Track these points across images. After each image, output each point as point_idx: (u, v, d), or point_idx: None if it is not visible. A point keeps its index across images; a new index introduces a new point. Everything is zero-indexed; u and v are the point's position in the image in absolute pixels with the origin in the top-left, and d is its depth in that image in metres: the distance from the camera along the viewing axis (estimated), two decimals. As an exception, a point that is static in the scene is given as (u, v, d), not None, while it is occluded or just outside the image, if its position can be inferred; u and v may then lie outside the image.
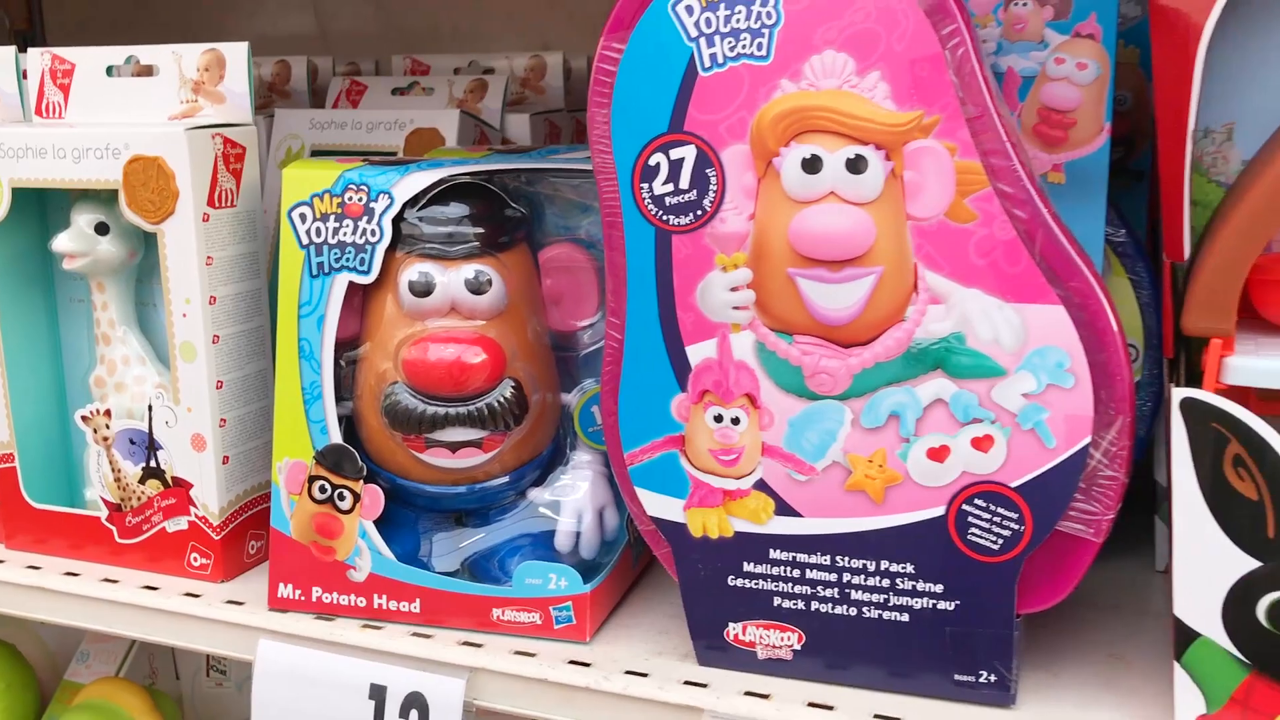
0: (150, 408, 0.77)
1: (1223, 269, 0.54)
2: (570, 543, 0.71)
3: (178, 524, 0.77)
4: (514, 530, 0.73)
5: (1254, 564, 0.54)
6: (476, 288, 0.68)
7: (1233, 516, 0.54)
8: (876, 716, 0.59)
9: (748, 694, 0.62)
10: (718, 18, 0.58)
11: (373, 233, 0.69)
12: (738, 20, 0.58)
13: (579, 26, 0.63)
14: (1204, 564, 0.55)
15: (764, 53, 0.58)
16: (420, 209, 0.70)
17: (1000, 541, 0.58)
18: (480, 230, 0.70)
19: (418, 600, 0.70)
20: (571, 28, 1.05)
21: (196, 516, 0.77)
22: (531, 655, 0.66)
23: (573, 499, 0.72)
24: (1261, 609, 0.54)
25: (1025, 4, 0.67)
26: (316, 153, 1.02)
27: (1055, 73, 0.67)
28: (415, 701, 0.67)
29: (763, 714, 0.60)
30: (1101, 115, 0.66)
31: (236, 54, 0.77)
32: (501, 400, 0.69)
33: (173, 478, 0.77)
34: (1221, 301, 0.55)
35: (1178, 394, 0.54)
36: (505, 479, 0.72)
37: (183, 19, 1.36)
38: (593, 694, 0.64)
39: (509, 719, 0.68)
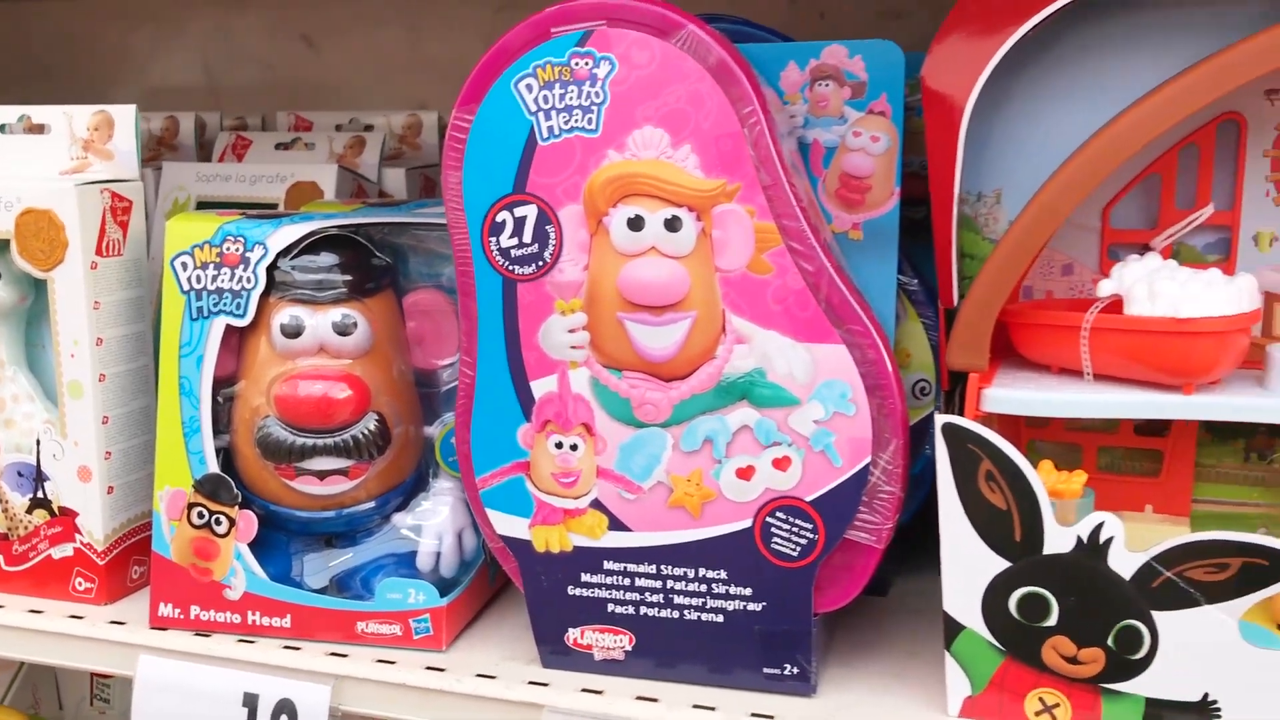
0: (38, 442, 0.82)
1: (975, 314, 0.65)
2: (431, 562, 0.79)
3: (63, 551, 0.83)
4: (379, 551, 0.80)
5: (1005, 564, 0.63)
6: (343, 329, 0.75)
7: (987, 524, 0.63)
8: (695, 706, 0.68)
9: (584, 690, 0.70)
10: (554, 95, 0.67)
11: (248, 280, 0.76)
12: (571, 98, 0.67)
13: (453, 87, 0.70)
14: (966, 565, 0.64)
15: (594, 126, 0.67)
16: (292, 258, 0.77)
17: (799, 549, 0.67)
18: (347, 277, 0.77)
19: (288, 616, 0.76)
20: (446, 89, 1.13)
21: (82, 544, 0.82)
22: (392, 663, 0.73)
23: (434, 522, 0.79)
24: (1012, 603, 0.64)
25: (827, 85, 0.77)
26: (202, 204, 1.08)
27: (853, 144, 0.77)
28: (285, 707, 0.73)
29: (596, 708, 0.68)
30: (892, 181, 0.76)
31: (125, 115, 0.84)
32: (365, 432, 0.76)
33: (59, 507, 0.82)
34: (976, 342, 0.65)
35: (940, 420, 0.63)
36: (371, 504, 0.79)
37: (77, 72, 1.41)
38: (446, 695, 0.71)
39: (371, 723, 0.74)
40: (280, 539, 0.80)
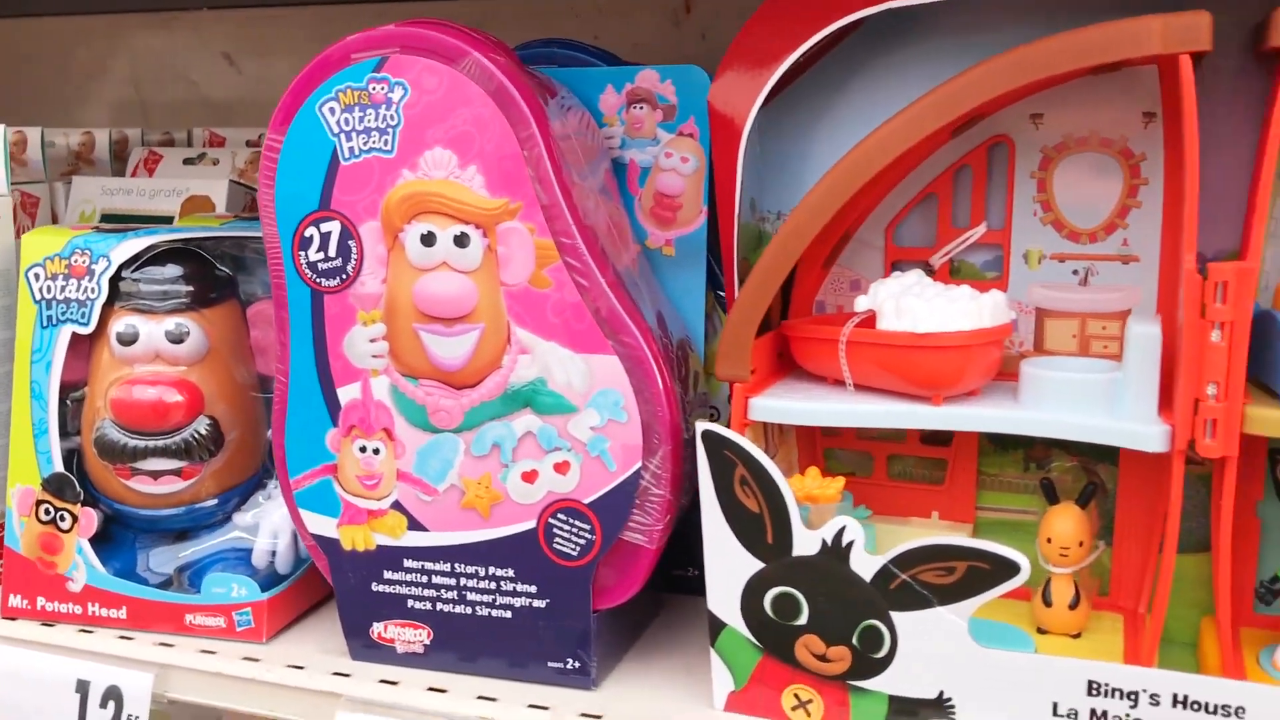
0: (-93, 441, 0.87)
1: (735, 329, 0.68)
2: (266, 559, 0.83)
3: (-71, 545, 0.88)
4: (219, 547, 0.84)
5: (759, 565, 0.66)
6: (176, 337, 0.80)
7: (742, 527, 0.66)
8: (479, 697, 0.71)
9: (381, 681, 0.73)
10: (354, 118, 0.71)
11: (92, 290, 0.80)
12: (369, 120, 0.71)
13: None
14: (725, 566, 0.67)
15: (389, 148, 0.71)
16: (136, 270, 0.81)
17: (578, 549, 0.71)
18: (187, 288, 0.81)
19: (124, 607, 0.81)
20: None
21: (-55, 538, 0.87)
22: (213, 653, 0.77)
23: (270, 521, 0.83)
24: (767, 602, 0.67)
25: (641, 108, 0.80)
26: (105, 216, 1.13)
27: (665, 165, 0.80)
28: (113, 694, 0.77)
29: (389, 698, 0.72)
30: (700, 199, 0.79)
31: (-5, 134, 0.89)
32: (197, 435, 0.80)
33: (-74, 503, 0.87)
34: (738, 354, 0.68)
35: (699, 427, 0.67)
36: (213, 502, 0.83)
37: (15, 89, 1.47)
38: (258, 684, 0.75)
39: (204, 709, 0.78)
40: (128, 535, 0.84)
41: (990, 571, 0.62)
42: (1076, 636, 0.70)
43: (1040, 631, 0.70)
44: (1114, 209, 0.70)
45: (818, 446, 0.79)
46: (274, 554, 0.83)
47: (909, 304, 0.66)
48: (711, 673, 0.69)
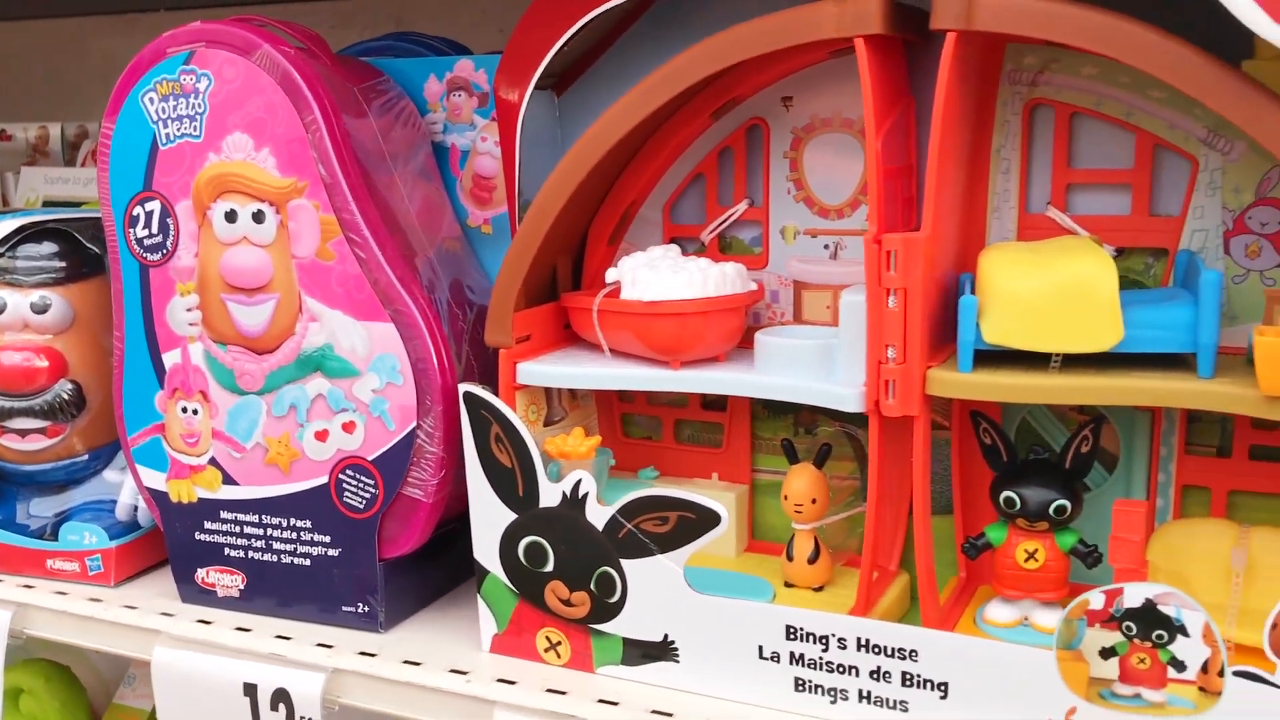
0: None
1: (498, 300, 0.73)
2: (129, 512, 0.90)
3: None
4: (89, 499, 0.92)
5: (512, 515, 0.72)
6: (40, 308, 0.88)
7: (498, 480, 0.72)
8: (277, 636, 0.78)
9: (198, 621, 0.80)
10: (169, 106, 0.78)
11: (-28, 266, 0.89)
12: (181, 109, 0.78)
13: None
14: (486, 517, 0.73)
15: (198, 133, 0.77)
16: (12, 248, 0.89)
17: (364, 502, 0.77)
18: (57, 264, 0.89)
19: (-4, 553, 0.89)
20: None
21: None
22: (65, 594, 0.85)
23: (133, 477, 0.91)
24: (520, 550, 0.72)
25: (460, 95, 0.86)
26: (47, 202, 1.23)
27: (481, 149, 0.86)
28: (-23, 630, 0.86)
29: (202, 635, 0.79)
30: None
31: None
32: (60, 398, 0.88)
33: None
34: (501, 323, 0.73)
35: (462, 388, 0.72)
36: (85, 458, 0.91)
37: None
38: (96, 622, 0.83)
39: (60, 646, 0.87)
40: (11, 489, 0.93)
41: (696, 521, 0.66)
42: (819, 590, 0.74)
43: (787, 585, 0.75)
44: (857, 187, 0.73)
45: (615, 412, 0.84)
46: (135, 508, 0.90)
47: (642, 275, 0.70)
48: (479, 617, 0.75)
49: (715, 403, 0.81)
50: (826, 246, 0.75)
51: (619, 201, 0.79)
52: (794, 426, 0.79)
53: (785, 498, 0.73)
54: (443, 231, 0.84)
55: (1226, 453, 0.68)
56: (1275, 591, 0.64)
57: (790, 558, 0.74)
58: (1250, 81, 0.55)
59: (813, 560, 0.73)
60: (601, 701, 0.68)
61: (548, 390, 0.77)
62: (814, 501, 0.72)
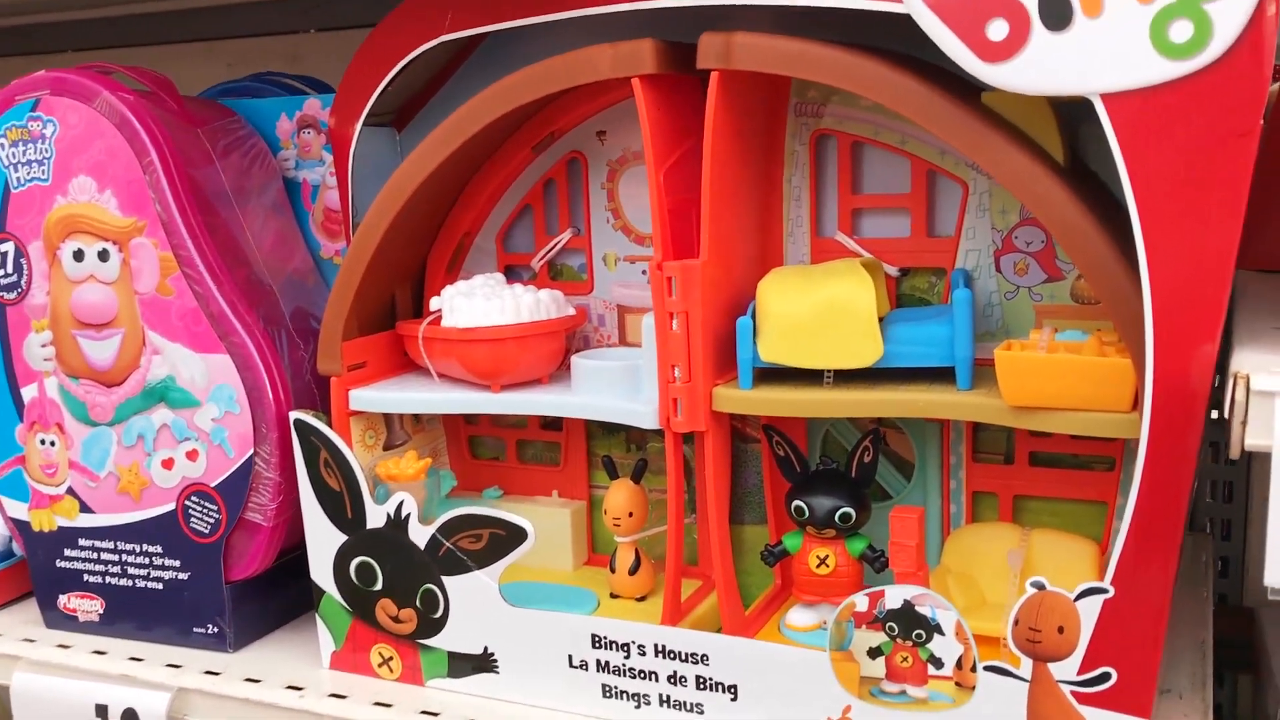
0: None
1: (327, 330, 0.76)
2: (4, 543, 0.93)
3: None
4: (-34, 533, 0.95)
5: (343, 537, 0.75)
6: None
7: (329, 503, 0.75)
8: (131, 658, 0.81)
9: (59, 646, 0.83)
10: (19, 151, 0.81)
11: None
12: (30, 153, 0.81)
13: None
14: (320, 538, 0.76)
15: (46, 176, 0.81)
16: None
17: (209, 527, 0.80)
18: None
19: None
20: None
21: None
22: (-64, 623, 0.88)
23: (7, 509, 0.94)
24: (352, 570, 0.75)
25: (309, 133, 0.89)
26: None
27: (330, 183, 0.89)
28: None
29: (62, 659, 0.81)
30: (358, 214, 0.88)
31: None
32: (-70, 432, 0.91)
33: None
34: (331, 351, 0.77)
35: (292, 416, 0.75)
36: (-39, 494, 0.94)
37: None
38: (-38, 650, 0.85)
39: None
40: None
41: (506, 537, 0.70)
42: (643, 599, 0.77)
43: (613, 596, 0.78)
44: (667, 213, 0.77)
45: (462, 434, 0.87)
46: (9, 538, 0.93)
47: (459, 303, 0.74)
48: (318, 635, 0.78)
49: (553, 423, 0.85)
50: (644, 272, 0.79)
51: (453, 232, 0.82)
52: (626, 444, 0.83)
53: (605, 512, 0.76)
54: (293, 263, 0.87)
55: (1010, 459, 0.71)
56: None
57: (613, 569, 0.77)
58: (978, 113, 0.59)
59: (633, 571, 0.76)
60: (424, 713, 0.71)
61: (388, 415, 0.81)
62: (631, 515, 0.76)
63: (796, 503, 0.69)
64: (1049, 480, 0.70)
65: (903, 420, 0.73)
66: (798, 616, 0.71)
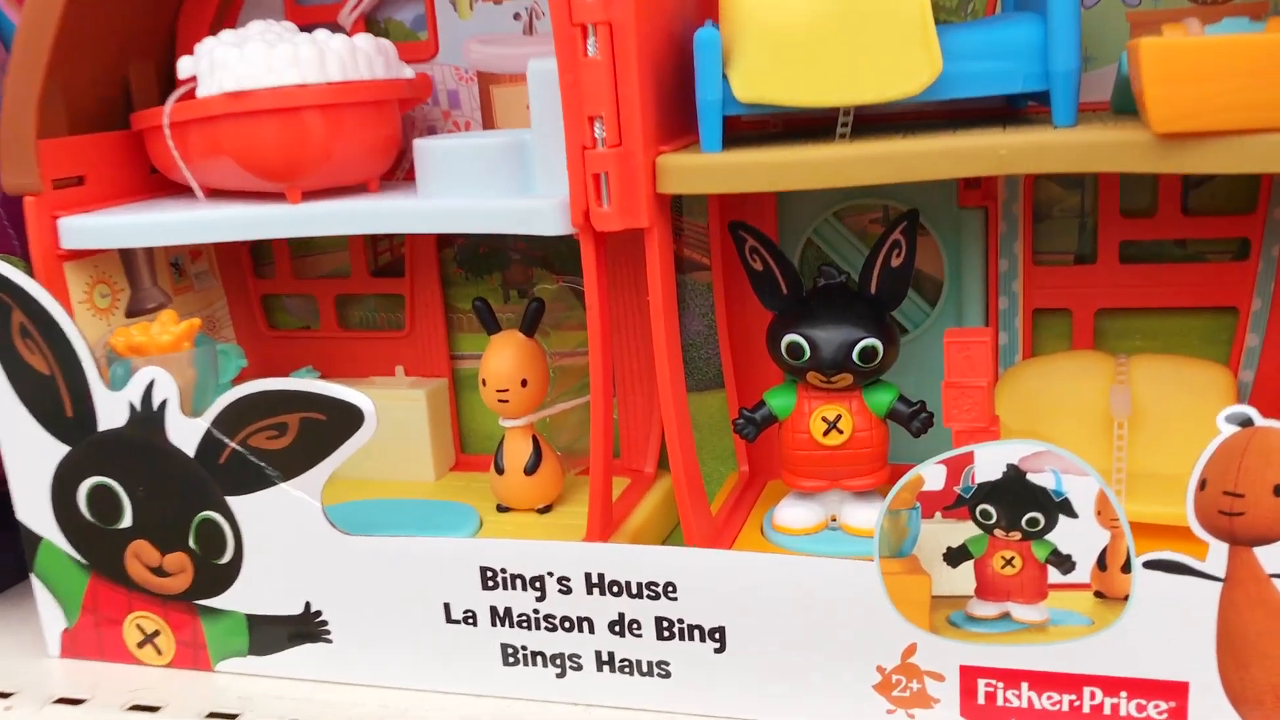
0: None
1: (8, 121, 0.47)
2: None
3: None
4: None
5: (65, 448, 0.47)
6: None
7: (34, 396, 0.46)
8: None
9: None
10: None
11: None
12: None
13: None
14: (26, 453, 0.47)
15: None
16: None
17: None
18: None
19: None
20: None
21: None
22: None
23: None
24: (82, 498, 0.47)
25: None
26: None
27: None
28: None
29: None
30: None
31: None
32: None
33: None
34: (18, 157, 0.47)
35: (-41, 261, 0.46)
36: None
37: None
38: None
39: None
40: None
41: (328, 425, 0.43)
42: (545, 510, 0.51)
43: (501, 510, 0.52)
44: (549, -82, 0.50)
45: (252, 293, 0.59)
46: None
47: (224, 56, 0.46)
48: (38, 607, 0.50)
49: (390, 267, 0.57)
50: (518, 16, 0.52)
51: (219, -19, 0.53)
52: (503, 288, 0.56)
53: (484, 382, 0.50)
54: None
55: (1089, 258, 0.48)
56: (1176, 441, 0.45)
57: (500, 469, 0.51)
58: None
59: (531, 470, 0.50)
60: (213, 716, 0.44)
61: (129, 262, 0.52)
62: (524, 384, 0.49)
63: (791, 338, 0.44)
64: (1150, 283, 0.47)
65: (926, 212, 0.49)
66: (791, 513, 0.47)
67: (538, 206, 0.43)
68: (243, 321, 0.59)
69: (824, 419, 0.45)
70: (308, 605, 0.46)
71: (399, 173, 0.54)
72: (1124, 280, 0.48)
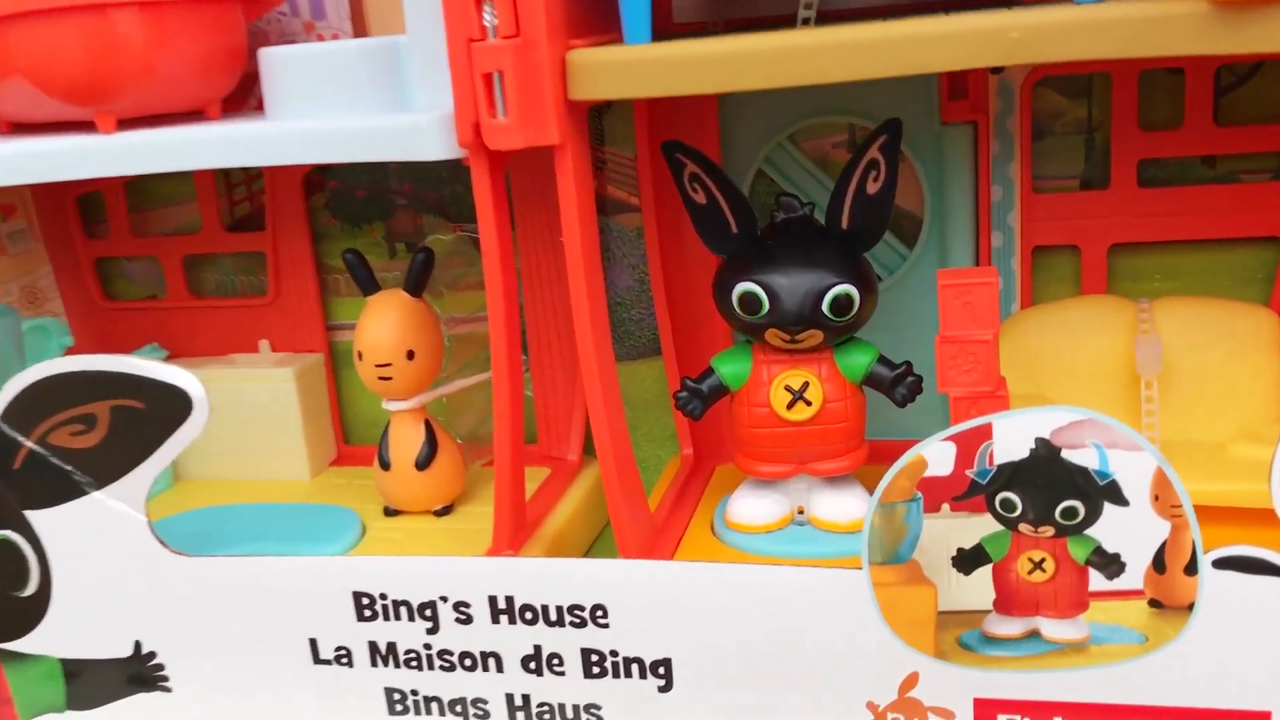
0: None
1: None
2: None
3: None
4: None
5: None
6: None
7: None
8: None
9: None
10: None
11: None
12: None
13: None
14: None
15: None
16: None
17: None
18: None
19: None
20: None
21: None
22: None
23: None
24: None
25: None
26: None
27: None
28: None
29: None
30: None
31: None
32: None
33: None
34: None
35: None
36: None
37: None
38: None
39: None
40: None
41: (146, 413, 0.33)
42: (443, 513, 0.42)
43: (388, 513, 0.42)
44: None
45: (82, 256, 0.49)
46: None
47: (1, -61, 0.35)
48: None
49: (250, 219, 0.47)
50: (390, -103, 0.42)
51: None
52: (387, 240, 0.47)
53: (360, 355, 0.40)
54: None
55: (1099, 183, 0.40)
56: (1217, 400, 0.36)
57: (385, 464, 0.41)
58: None
59: (424, 464, 0.41)
60: (17, 794, 0.34)
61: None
62: (411, 356, 0.40)
63: (744, 287, 0.35)
64: (1173, 210, 0.39)
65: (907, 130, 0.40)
66: (748, 506, 0.38)
67: (413, 123, 0.33)
68: (72, 292, 0.49)
69: (787, 388, 0.36)
70: (138, 646, 0.36)
71: (251, 101, 0.43)
72: (1142, 208, 0.39)
